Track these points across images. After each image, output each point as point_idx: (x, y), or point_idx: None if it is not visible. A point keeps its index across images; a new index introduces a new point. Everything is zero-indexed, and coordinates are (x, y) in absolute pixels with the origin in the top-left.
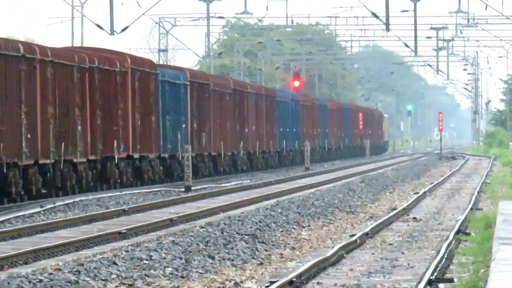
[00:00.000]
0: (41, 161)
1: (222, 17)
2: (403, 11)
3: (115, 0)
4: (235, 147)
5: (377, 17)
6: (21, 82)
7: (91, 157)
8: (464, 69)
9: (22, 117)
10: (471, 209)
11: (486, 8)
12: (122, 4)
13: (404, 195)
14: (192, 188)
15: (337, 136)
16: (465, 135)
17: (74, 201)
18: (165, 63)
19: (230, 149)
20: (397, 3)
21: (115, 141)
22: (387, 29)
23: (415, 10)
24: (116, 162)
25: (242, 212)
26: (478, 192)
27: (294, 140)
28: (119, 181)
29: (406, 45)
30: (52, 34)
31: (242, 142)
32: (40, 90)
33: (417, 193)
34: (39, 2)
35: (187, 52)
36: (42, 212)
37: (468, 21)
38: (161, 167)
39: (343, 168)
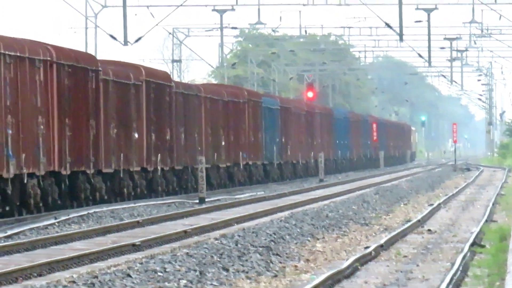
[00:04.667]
0: (195, 166)
1: (235, 28)
2: (416, 21)
3: (128, 10)
4: (307, 156)
5: (390, 27)
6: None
7: (228, 164)
8: (478, 80)
9: (187, 135)
10: (486, 221)
11: (500, 18)
12: (136, 14)
13: (419, 206)
14: (206, 200)
15: (376, 147)
16: (479, 146)
17: (88, 213)
18: (179, 75)
19: (304, 158)
20: (410, 14)
21: (240, 152)
22: (401, 40)
23: (428, 21)
24: (241, 167)
25: (256, 224)
26: (493, 204)
27: (346, 150)
28: (241, 181)
29: (420, 56)
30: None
31: (312, 152)
32: (204, 116)
33: (432, 204)
34: (53, 12)
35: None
36: (56, 224)
37: (482, 31)
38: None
39: (357, 180)
